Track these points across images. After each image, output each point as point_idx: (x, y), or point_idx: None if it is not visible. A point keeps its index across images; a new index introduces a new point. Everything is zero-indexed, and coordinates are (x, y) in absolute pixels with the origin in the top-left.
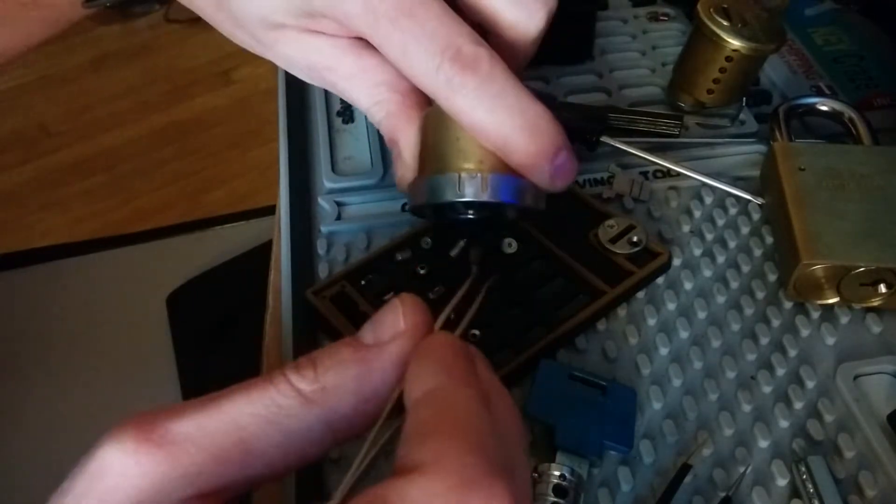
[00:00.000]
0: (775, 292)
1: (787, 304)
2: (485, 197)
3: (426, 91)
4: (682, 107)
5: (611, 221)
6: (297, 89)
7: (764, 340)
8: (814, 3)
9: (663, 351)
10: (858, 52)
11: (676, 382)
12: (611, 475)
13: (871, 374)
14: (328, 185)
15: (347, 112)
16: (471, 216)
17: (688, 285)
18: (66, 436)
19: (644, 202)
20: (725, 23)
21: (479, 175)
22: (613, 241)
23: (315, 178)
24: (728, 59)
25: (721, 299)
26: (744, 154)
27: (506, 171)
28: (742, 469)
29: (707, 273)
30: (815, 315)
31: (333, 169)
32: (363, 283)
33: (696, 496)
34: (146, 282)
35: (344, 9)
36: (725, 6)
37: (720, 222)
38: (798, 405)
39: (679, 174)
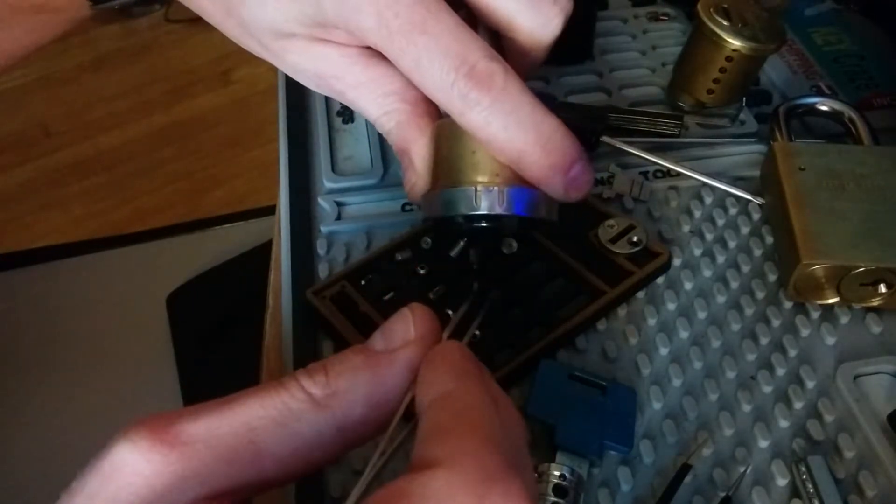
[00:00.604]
0: (775, 292)
1: (787, 304)
2: (500, 210)
3: (440, 105)
4: (682, 107)
5: (611, 221)
6: (297, 89)
7: (764, 340)
8: (814, 3)
9: (663, 351)
10: (858, 52)
11: (676, 382)
12: (611, 475)
13: (871, 374)
14: (328, 185)
15: (347, 112)
16: (484, 225)
17: (688, 285)
18: (67, 435)
19: (644, 202)
20: (725, 23)
21: (494, 188)
22: (613, 241)
23: (315, 178)
24: (728, 59)
25: (721, 299)
26: (744, 154)
27: (520, 183)
28: (742, 469)
29: (707, 273)
30: (815, 315)
31: (333, 169)
32: (363, 283)
33: (696, 496)
34: (146, 282)
35: (358, 22)
36: (725, 6)
37: (720, 222)
38: (798, 405)
39: (679, 174)
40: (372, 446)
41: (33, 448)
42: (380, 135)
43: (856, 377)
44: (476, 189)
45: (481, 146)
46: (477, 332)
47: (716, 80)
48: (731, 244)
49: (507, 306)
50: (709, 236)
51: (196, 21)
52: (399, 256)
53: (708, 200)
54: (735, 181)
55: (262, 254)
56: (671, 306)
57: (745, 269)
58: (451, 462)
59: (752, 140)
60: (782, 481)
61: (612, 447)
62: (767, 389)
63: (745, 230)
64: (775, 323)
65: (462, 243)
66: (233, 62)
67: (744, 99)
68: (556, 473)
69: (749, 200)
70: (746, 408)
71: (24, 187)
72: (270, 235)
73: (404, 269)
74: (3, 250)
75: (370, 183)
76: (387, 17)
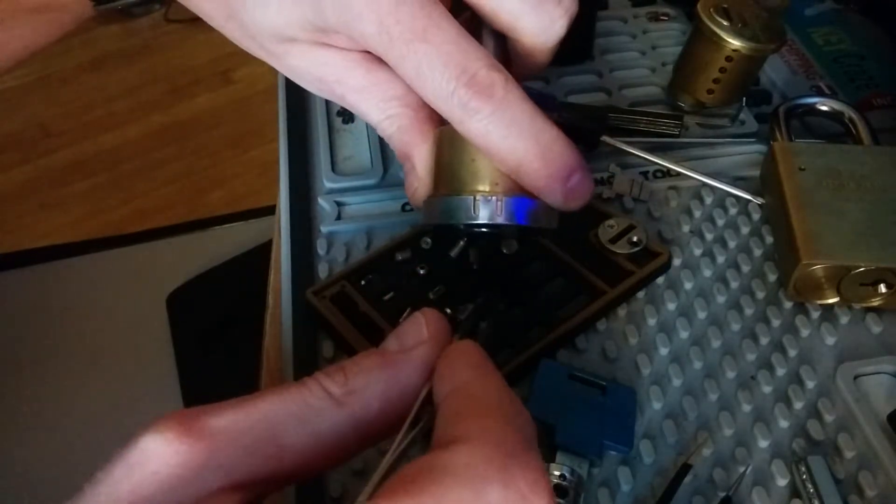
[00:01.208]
0: (775, 292)
1: (787, 304)
2: (499, 219)
3: (440, 113)
4: (682, 107)
5: (611, 221)
6: (298, 89)
7: (764, 340)
8: (814, 3)
9: (663, 351)
10: (858, 52)
11: (676, 382)
12: (611, 475)
13: (871, 374)
14: (328, 185)
15: (347, 112)
16: (484, 230)
17: (688, 285)
18: (67, 435)
19: (644, 202)
20: (725, 23)
21: (493, 198)
22: (613, 241)
23: (315, 178)
24: (728, 59)
25: (721, 299)
26: (744, 154)
27: (520, 192)
28: (742, 469)
29: (707, 273)
30: (815, 315)
31: (333, 169)
32: (363, 283)
33: (696, 496)
34: (146, 282)
35: (359, 28)
36: (725, 6)
37: (720, 222)
38: (798, 405)
39: (679, 174)
40: (378, 449)
41: (33, 448)
42: (380, 136)
43: (856, 377)
44: (475, 198)
45: (481, 154)
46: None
47: (716, 80)
48: (731, 244)
49: (507, 306)
50: (709, 236)
51: (196, 21)
52: (399, 256)
53: (708, 200)
54: (735, 181)
55: (262, 254)
56: (671, 306)
57: (745, 269)
58: (472, 439)
59: (752, 140)
60: (782, 481)
61: (612, 447)
62: (767, 389)
63: (745, 230)
64: (775, 323)
65: (462, 243)
66: (233, 62)
67: (744, 99)
68: (556, 473)
69: (749, 200)
70: (746, 408)
71: (24, 187)
72: (270, 235)
73: (404, 269)
74: (3, 250)
75: (370, 183)
76: (388, 24)
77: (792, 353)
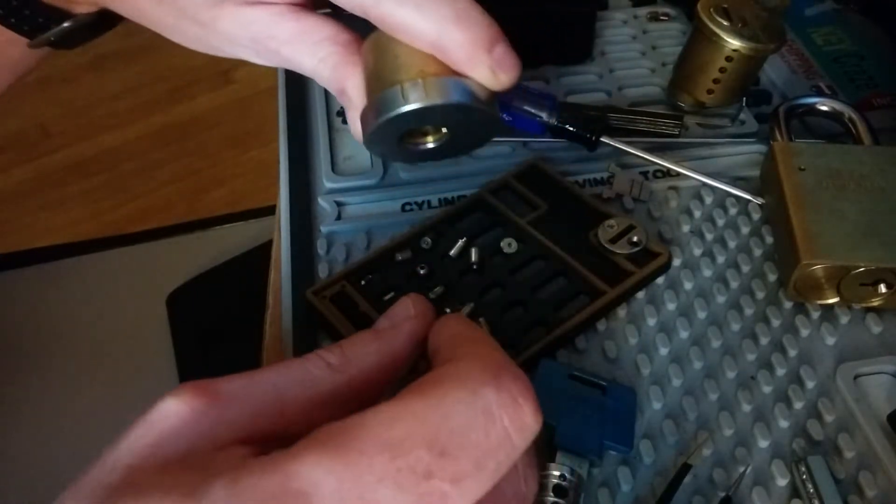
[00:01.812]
0: (775, 292)
1: (787, 304)
2: (431, 101)
3: (354, 9)
4: (682, 107)
5: (611, 221)
6: (297, 89)
7: (764, 340)
8: (814, 3)
9: (663, 351)
10: (858, 52)
11: (676, 382)
12: (611, 475)
13: (871, 374)
14: (328, 185)
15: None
16: (430, 145)
17: (688, 285)
18: (66, 435)
19: (644, 202)
20: (725, 23)
21: (420, 82)
22: (613, 241)
23: (315, 178)
24: (728, 59)
25: (721, 299)
26: (744, 154)
27: (448, 74)
28: (742, 469)
29: (707, 273)
30: (815, 315)
31: (333, 169)
32: (363, 283)
33: (696, 496)
34: (146, 282)
35: None
36: (725, 6)
37: (720, 222)
38: (798, 405)
39: (679, 174)
40: None
41: (33, 448)
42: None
43: (856, 377)
44: (402, 86)
45: (403, 47)
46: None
47: (716, 80)
48: (731, 244)
49: (507, 306)
50: (709, 236)
51: None
52: (399, 256)
53: (708, 200)
54: (735, 181)
55: (262, 254)
56: (671, 306)
57: (745, 269)
58: (466, 357)
59: (752, 140)
60: (782, 481)
61: (612, 447)
62: (767, 389)
63: (745, 230)
64: (775, 323)
65: (462, 243)
66: (233, 62)
67: (744, 99)
68: (556, 473)
69: (749, 200)
70: (746, 408)
71: (24, 187)
72: (270, 235)
73: (404, 269)
74: (3, 250)
75: (370, 183)
76: None
77: (792, 353)
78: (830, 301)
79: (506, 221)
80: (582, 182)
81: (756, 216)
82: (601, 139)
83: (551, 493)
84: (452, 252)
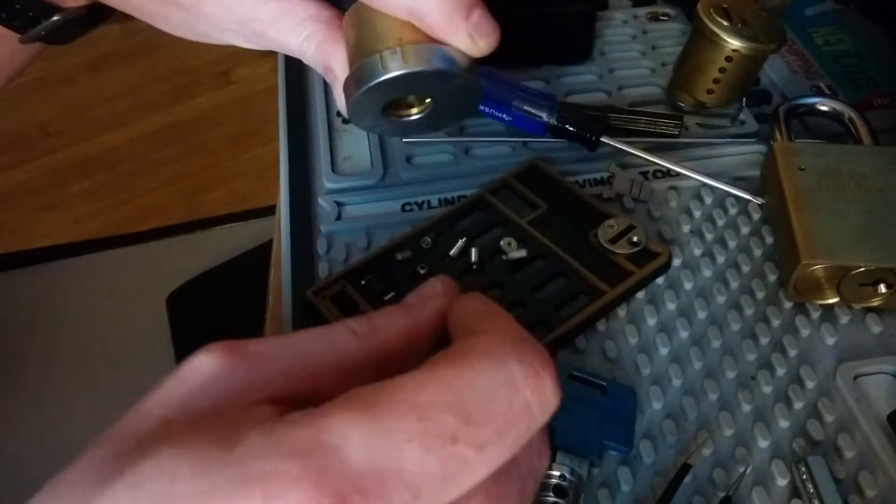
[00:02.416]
0: (775, 292)
1: (787, 304)
2: (409, 68)
3: None
4: (682, 107)
5: (611, 221)
6: (297, 89)
7: (764, 340)
8: (814, 3)
9: (663, 351)
10: (858, 52)
11: (676, 382)
12: (611, 475)
13: (871, 374)
14: (328, 185)
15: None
16: (414, 117)
17: (688, 285)
18: (66, 436)
19: (644, 202)
20: (725, 23)
21: (398, 49)
22: (613, 241)
23: (315, 178)
24: (728, 59)
25: (721, 299)
26: (744, 154)
27: (427, 42)
28: (742, 469)
29: (707, 273)
30: (815, 315)
31: (333, 169)
32: (363, 283)
33: (696, 496)
34: (146, 282)
35: None
36: (725, 6)
37: (720, 222)
38: (798, 405)
39: (679, 174)
40: None
41: (33, 448)
42: (380, 135)
43: (856, 377)
44: (381, 56)
45: (382, 17)
46: None
47: (716, 80)
48: (731, 244)
49: (507, 306)
50: (709, 236)
51: None
52: (399, 256)
53: (708, 200)
54: (735, 181)
55: (262, 254)
56: (671, 306)
57: (745, 269)
58: (488, 331)
59: (752, 140)
60: (782, 481)
61: (612, 447)
62: (767, 389)
63: (745, 230)
64: (775, 323)
65: (461, 243)
66: (233, 62)
67: (744, 99)
68: (556, 473)
69: (749, 200)
70: (746, 408)
71: (24, 187)
72: (270, 235)
73: (404, 269)
74: (3, 250)
75: (370, 183)
76: None
77: (792, 353)
78: (830, 301)
79: (506, 221)
80: (582, 182)
81: (756, 216)
82: (601, 139)
83: (551, 493)
84: (452, 252)
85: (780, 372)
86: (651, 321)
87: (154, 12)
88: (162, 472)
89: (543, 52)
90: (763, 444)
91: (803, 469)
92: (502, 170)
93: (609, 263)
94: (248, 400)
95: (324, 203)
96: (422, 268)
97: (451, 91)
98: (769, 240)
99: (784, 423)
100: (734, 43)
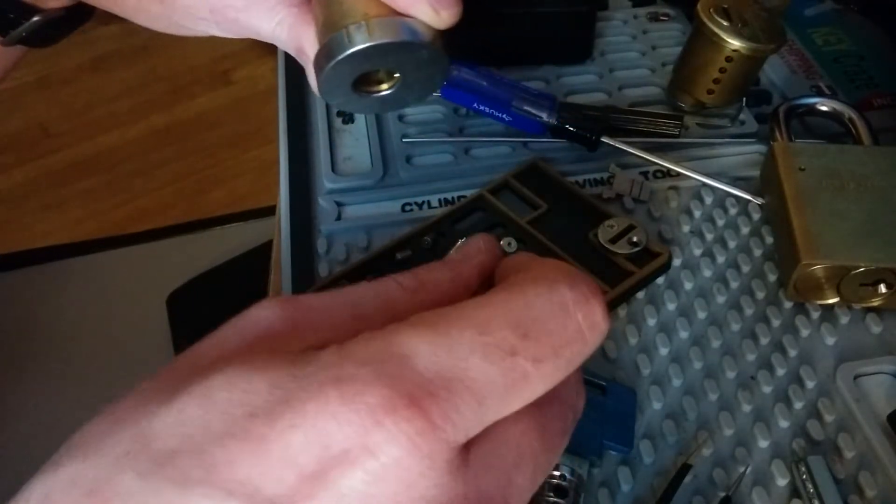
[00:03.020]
0: (775, 292)
1: (787, 304)
2: (374, 41)
3: None
4: (682, 107)
5: (611, 221)
6: (297, 89)
7: (764, 340)
8: (814, 3)
9: (663, 351)
10: (858, 52)
11: (676, 382)
12: (611, 475)
13: (871, 374)
14: (328, 185)
15: (347, 112)
16: (385, 92)
17: (688, 285)
18: (67, 435)
19: (644, 202)
20: (725, 23)
21: (363, 23)
22: (613, 241)
23: (315, 178)
24: (728, 59)
25: (721, 299)
26: (744, 154)
27: (392, 16)
28: (742, 469)
29: (707, 273)
30: (815, 315)
31: (333, 169)
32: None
33: (696, 496)
34: (146, 282)
35: None
36: (725, 6)
37: (720, 222)
38: (798, 405)
39: (679, 174)
40: None
41: (32, 448)
42: (380, 135)
43: (856, 377)
44: (347, 29)
45: None
46: None
47: (716, 80)
48: (731, 244)
49: None
50: (709, 236)
51: None
52: (399, 256)
53: (708, 200)
54: (735, 181)
55: (262, 254)
56: (671, 306)
57: (745, 269)
58: (538, 265)
59: (752, 140)
60: (782, 481)
61: (612, 447)
62: (767, 389)
63: (745, 230)
64: (775, 323)
65: (461, 243)
66: (233, 62)
67: (744, 99)
68: (556, 473)
69: (749, 200)
70: (746, 408)
71: (24, 187)
72: (270, 235)
73: (404, 269)
74: (3, 250)
75: (370, 183)
76: None
77: (792, 353)
78: (830, 301)
79: (506, 221)
80: (582, 182)
81: (756, 216)
82: (601, 139)
83: (551, 493)
84: (453, 252)
85: (780, 372)
86: (651, 321)
87: (133, 6)
88: (233, 385)
89: (543, 52)
90: (763, 444)
91: (803, 469)
92: (502, 170)
93: (609, 263)
94: (304, 345)
95: (324, 203)
96: None
97: (419, 63)
98: (769, 240)
99: (784, 423)
100: (734, 43)
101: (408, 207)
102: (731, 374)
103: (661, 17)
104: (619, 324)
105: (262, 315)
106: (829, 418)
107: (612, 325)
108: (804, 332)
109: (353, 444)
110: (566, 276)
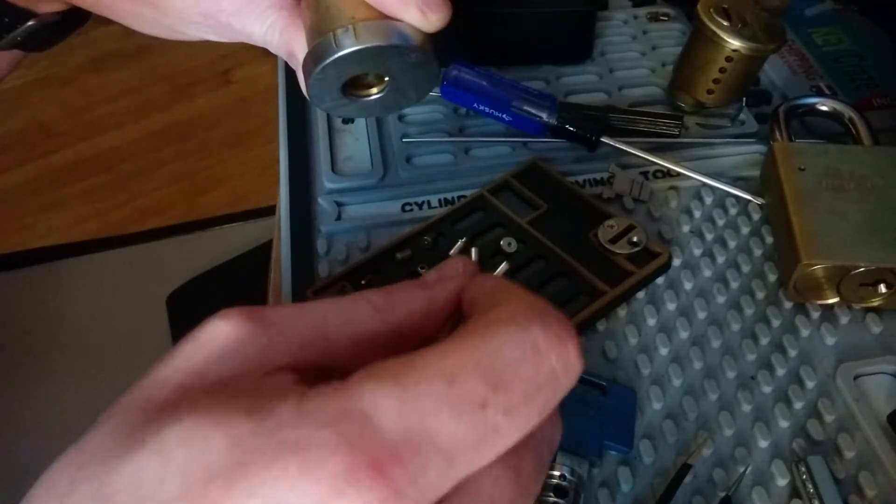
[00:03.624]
0: (775, 292)
1: (787, 304)
2: (362, 44)
3: None
4: (682, 107)
5: (611, 221)
6: (297, 89)
7: (764, 340)
8: (814, 3)
9: (663, 351)
10: (858, 52)
11: (676, 382)
12: (611, 475)
13: (871, 374)
14: (328, 185)
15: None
16: (374, 96)
17: (688, 285)
18: (66, 436)
19: (644, 202)
20: (725, 23)
21: (350, 27)
22: (613, 241)
23: (315, 178)
24: (728, 59)
25: (721, 299)
26: (744, 154)
27: (380, 19)
28: (742, 469)
29: (707, 273)
30: (815, 315)
31: (333, 169)
32: (363, 283)
33: (696, 496)
34: (146, 282)
35: None
36: (725, 6)
37: (720, 222)
38: (798, 405)
39: (679, 174)
40: None
41: (32, 448)
42: (380, 135)
43: (856, 377)
44: (335, 33)
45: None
46: None
47: (716, 80)
48: (731, 244)
49: None
50: (709, 236)
51: None
52: (399, 256)
53: (708, 200)
54: (735, 181)
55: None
56: (671, 306)
57: (745, 269)
58: (509, 302)
59: (752, 140)
60: (782, 481)
61: (612, 447)
62: (767, 389)
63: (745, 230)
64: (775, 323)
65: (461, 243)
66: (233, 62)
67: (744, 99)
68: (556, 473)
69: (749, 200)
70: (746, 408)
71: (24, 187)
72: (270, 235)
73: (404, 269)
74: (3, 250)
75: (370, 183)
76: None
77: (792, 353)
78: (830, 301)
79: (506, 221)
80: (582, 182)
81: (756, 216)
82: (601, 139)
83: (551, 493)
84: (452, 252)
85: (780, 372)
86: (651, 321)
87: (126, 10)
88: (190, 442)
89: (543, 52)
90: (763, 444)
91: (803, 469)
92: (502, 170)
93: (609, 263)
94: (267, 367)
95: (324, 203)
96: (422, 268)
97: (408, 67)
98: (769, 240)
99: (784, 423)
100: (734, 43)
101: (408, 207)
102: (731, 374)
103: (661, 17)
104: (619, 324)
105: (221, 332)
106: (829, 418)
107: (611, 325)
108: (804, 332)
109: None
110: (539, 316)
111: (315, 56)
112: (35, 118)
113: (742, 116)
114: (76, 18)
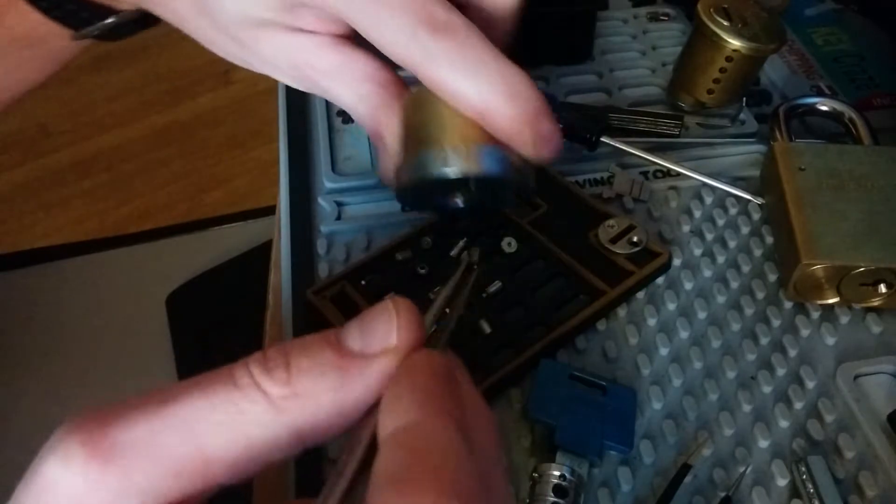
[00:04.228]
0: (775, 292)
1: (787, 304)
2: (470, 169)
3: (405, 64)
4: (682, 107)
5: (611, 221)
6: (298, 90)
7: (764, 340)
8: (814, 3)
9: (663, 351)
10: (858, 52)
11: (676, 382)
12: (611, 475)
13: (871, 374)
14: (328, 185)
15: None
16: (459, 204)
17: (688, 285)
18: None
19: (644, 202)
20: (725, 23)
21: (462, 147)
22: (613, 241)
23: (315, 178)
24: (728, 59)
25: (721, 299)
26: (744, 154)
27: (490, 143)
28: (742, 469)
29: (707, 273)
30: (815, 315)
31: (333, 169)
32: (363, 283)
33: (696, 496)
34: (146, 282)
35: None
36: (725, 6)
37: (720, 222)
38: (798, 405)
39: (679, 174)
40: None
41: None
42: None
43: (856, 377)
44: (444, 151)
45: (448, 110)
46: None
47: (716, 80)
48: (731, 244)
49: (507, 306)
50: (709, 236)
51: None
52: (399, 256)
53: (708, 200)
54: (735, 181)
55: (262, 254)
56: (671, 306)
57: (745, 269)
58: (405, 491)
59: (752, 140)
60: (782, 481)
61: (612, 447)
62: (767, 389)
63: (745, 230)
64: (775, 323)
65: (462, 243)
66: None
67: (744, 99)
68: (556, 473)
69: (749, 200)
70: (746, 408)
71: (24, 187)
72: (270, 235)
73: (404, 269)
74: (3, 250)
75: (370, 183)
76: None
77: (792, 353)
78: (830, 301)
79: (506, 221)
80: (582, 182)
81: (756, 216)
82: (601, 139)
83: (551, 493)
84: (452, 252)
85: (780, 372)
86: (651, 321)
87: (209, 38)
88: None
89: (543, 52)
90: (763, 444)
91: (803, 469)
92: None
93: (609, 263)
94: None
95: (324, 203)
96: (422, 268)
97: (504, 189)
98: (769, 240)
99: (784, 423)
100: (734, 43)
101: (408, 208)
102: (731, 374)
103: (661, 17)
104: (619, 324)
105: (60, 484)
106: (829, 418)
107: (611, 325)
108: (804, 332)
109: None
110: None
111: (418, 165)
112: (35, 118)
113: (742, 116)
114: (154, 16)
